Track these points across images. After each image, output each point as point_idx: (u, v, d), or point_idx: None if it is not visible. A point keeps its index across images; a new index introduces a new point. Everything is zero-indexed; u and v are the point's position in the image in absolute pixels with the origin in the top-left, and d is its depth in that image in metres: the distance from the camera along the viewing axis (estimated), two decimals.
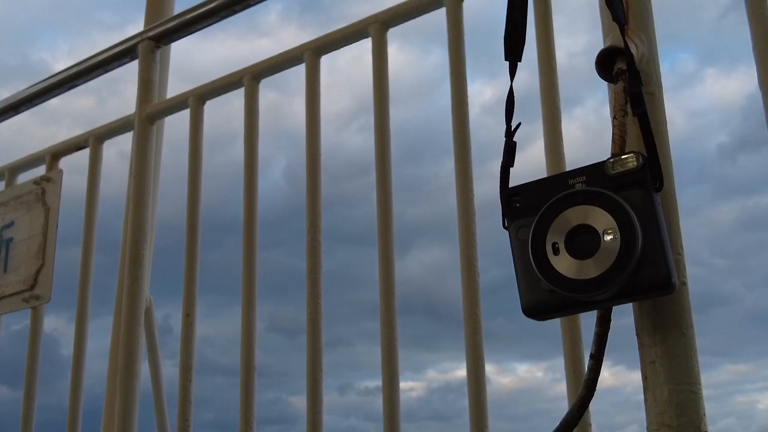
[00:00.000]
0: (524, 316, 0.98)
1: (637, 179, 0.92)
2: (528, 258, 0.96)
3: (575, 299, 0.93)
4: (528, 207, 0.99)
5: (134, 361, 1.71)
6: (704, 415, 0.95)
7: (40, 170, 2.05)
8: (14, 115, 2.14)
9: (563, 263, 0.93)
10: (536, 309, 0.98)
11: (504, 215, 1.02)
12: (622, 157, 0.94)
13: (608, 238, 0.91)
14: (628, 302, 0.96)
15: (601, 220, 0.92)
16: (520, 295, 0.99)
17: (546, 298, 0.95)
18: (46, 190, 1.98)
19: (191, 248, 1.65)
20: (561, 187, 0.96)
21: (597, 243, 0.91)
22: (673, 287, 0.91)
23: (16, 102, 2.11)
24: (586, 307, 0.96)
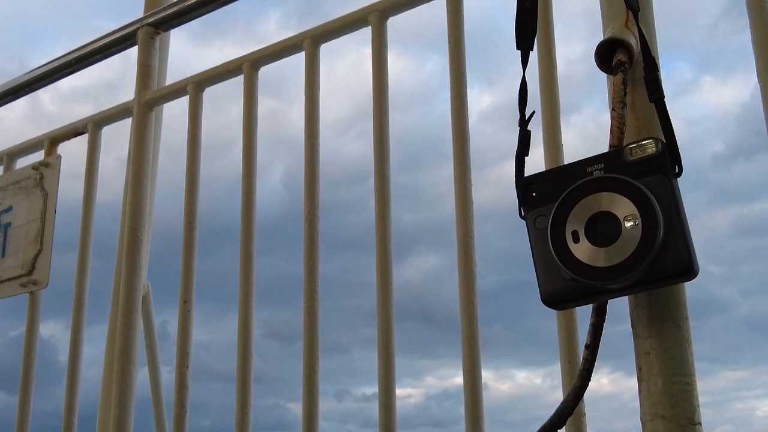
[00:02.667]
0: (544, 305, 0.98)
1: (656, 165, 0.92)
2: (547, 247, 0.95)
3: (596, 287, 0.93)
4: (545, 195, 0.98)
5: (132, 346, 1.71)
6: (698, 406, 0.95)
7: (39, 156, 2.05)
8: (14, 99, 2.14)
9: (584, 251, 0.93)
10: (556, 298, 0.97)
11: (520, 204, 1.02)
12: (642, 142, 0.94)
13: (629, 224, 0.90)
14: (649, 289, 0.95)
15: (621, 206, 0.91)
16: (539, 285, 0.98)
17: (566, 286, 0.95)
18: (44, 175, 1.98)
19: (189, 234, 1.65)
20: (579, 175, 0.96)
21: (618, 230, 0.91)
22: (695, 273, 0.90)
23: (16, 86, 2.10)
24: (607, 295, 0.95)
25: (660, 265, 0.89)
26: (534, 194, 1.00)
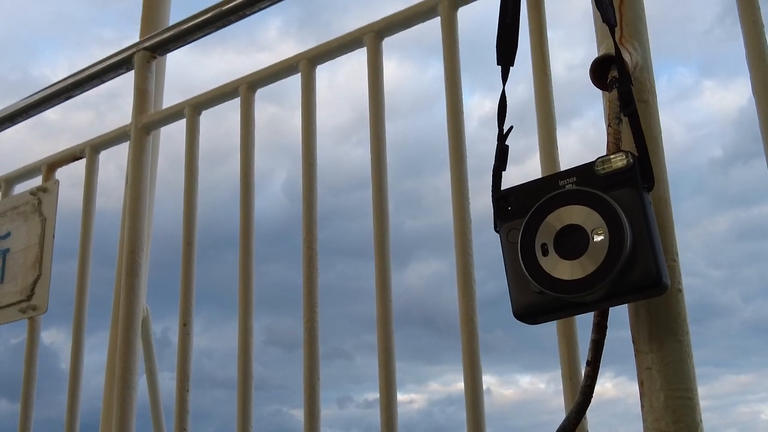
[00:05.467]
0: (516, 320, 0.97)
1: (626, 178, 0.92)
2: (517, 260, 0.95)
3: (565, 301, 0.92)
4: (519, 209, 0.98)
5: (131, 371, 1.70)
6: (701, 421, 0.95)
7: (37, 181, 2.05)
8: (10, 126, 2.14)
9: (552, 264, 0.92)
10: (527, 312, 0.96)
11: (496, 218, 1.02)
12: (612, 156, 0.94)
13: (597, 237, 0.90)
14: (619, 303, 0.95)
15: (590, 219, 0.91)
16: (510, 299, 0.98)
17: (536, 300, 0.94)
18: (42, 200, 1.98)
19: (187, 256, 1.65)
20: (551, 188, 0.96)
21: (586, 243, 0.90)
22: (665, 287, 0.90)
23: (11, 113, 2.10)
24: (577, 309, 0.95)
25: (627, 278, 0.88)
26: (509, 208, 1.00)
